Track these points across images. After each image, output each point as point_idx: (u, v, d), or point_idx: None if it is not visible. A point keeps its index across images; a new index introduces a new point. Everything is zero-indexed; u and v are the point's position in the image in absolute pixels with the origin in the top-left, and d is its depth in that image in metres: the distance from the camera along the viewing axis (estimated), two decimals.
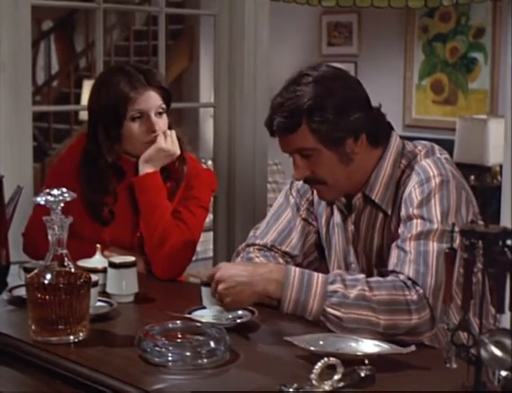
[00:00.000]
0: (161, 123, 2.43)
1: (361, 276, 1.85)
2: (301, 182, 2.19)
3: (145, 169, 2.42)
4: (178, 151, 2.46)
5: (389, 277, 1.85)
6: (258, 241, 2.16)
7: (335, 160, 1.96)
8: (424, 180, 1.93)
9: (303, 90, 1.93)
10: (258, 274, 1.84)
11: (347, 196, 2.05)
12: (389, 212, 2.00)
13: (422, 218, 1.88)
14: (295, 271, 1.85)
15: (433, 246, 1.84)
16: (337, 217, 2.11)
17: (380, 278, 1.87)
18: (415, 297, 1.77)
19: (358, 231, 2.06)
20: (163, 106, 2.44)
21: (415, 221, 1.89)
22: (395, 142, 2.03)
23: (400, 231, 1.93)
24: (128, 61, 7.88)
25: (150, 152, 2.42)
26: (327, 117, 1.91)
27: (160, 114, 2.44)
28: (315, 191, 2.15)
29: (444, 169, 1.95)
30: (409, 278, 1.81)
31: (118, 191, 2.47)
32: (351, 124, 1.93)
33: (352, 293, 1.78)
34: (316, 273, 1.86)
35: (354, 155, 1.97)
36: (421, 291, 1.78)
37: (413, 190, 1.93)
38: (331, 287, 1.80)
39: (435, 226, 1.86)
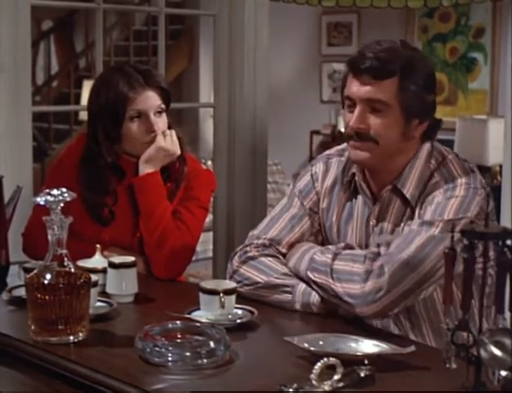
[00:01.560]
0: (160, 123, 2.43)
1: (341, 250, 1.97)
2: (303, 184, 2.18)
3: (145, 169, 2.42)
4: (178, 151, 2.45)
5: (357, 251, 1.96)
6: (255, 241, 2.15)
7: (398, 128, 1.96)
8: (451, 187, 1.94)
9: (401, 49, 1.98)
10: None
11: (371, 192, 2.05)
12: (416, 210, 1.99)
13: (434, 211, 1.91)
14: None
15: (425, 234, 1.87)
16: (359, 210, 2.08)
17: (350, 251, 1.96)
18: (362, 269, 1.85)
19: (382, 226, 2.03)
20: (162, 105, 2.44)
21: (425, 215, 1.92)
22: (428, 146, 2.04)
23: None
24: (128, 62, 7.88)
25: (149, 152, 2.42)
26: (418, 82, 1.95)
27: (159, 113, 2.44)
28: (321, 190, 2.14)
29: (474, 177, 1.96)
30: (375, 253, 1.88)
31: (118, 192, 2.47)
32: (426, 104, 1.98)
33: (321, 259, 1.95)
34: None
35: (412, 137, 1.99)
36: (377, 263, 1.84)
37: (438, 194, 1.94)
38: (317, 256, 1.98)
39: (440, 218, 1.88)
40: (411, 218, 1.97)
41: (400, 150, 1.99)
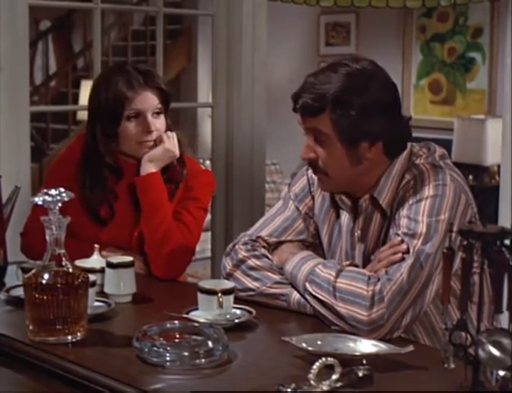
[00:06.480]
0: (158, 123, 2.44)
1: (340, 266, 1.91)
2: (299, 188, 2.18)
3: (148, 168, 2.42)
4: (178, 153, 2.46)
5: (361, 270, 1.91)
6: (243, 239, 2.14)
7: (344, 156, 1.94)
8: (419, 187, 1.91)
9: (336, 79, 1.91)
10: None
11: (353, 200, 2.03)
12: (394, 216, 1.97)
13: (408, 218, 1.88)
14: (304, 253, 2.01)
15: (415, 250, 1.84)
16: (344, 222, 2.07)
17: (354, 268, 1.91)
18: (370, 293, 1.80)
19: (366, 236, 2.02)
20: (160, 106, 2.44)
21: (401, 221, 1.89)
22: (406, 153, 2.00)
23: (391, 232, 1.93)
24: (126, 62, 7.87)
25: (155, 152, 2.43)
26: (350, 114, 1.89)
27: (157, 114, 2.44)
28: (315, 196, 2.14)
29: (443, 173, 1.93)
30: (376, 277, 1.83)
31: (118, 192, 2.47)
32: (371, 129, 1.91)
33: (323, 274, 1.88)
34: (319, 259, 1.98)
35: (364, 160, 1.95)
36: (377, 287, 1.80)
37: (407, 195, 1.93)
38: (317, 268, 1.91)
39: (419, 228, 1.86)
40: (390, 226, 1.95)
41: (362, 172, 1.96)
